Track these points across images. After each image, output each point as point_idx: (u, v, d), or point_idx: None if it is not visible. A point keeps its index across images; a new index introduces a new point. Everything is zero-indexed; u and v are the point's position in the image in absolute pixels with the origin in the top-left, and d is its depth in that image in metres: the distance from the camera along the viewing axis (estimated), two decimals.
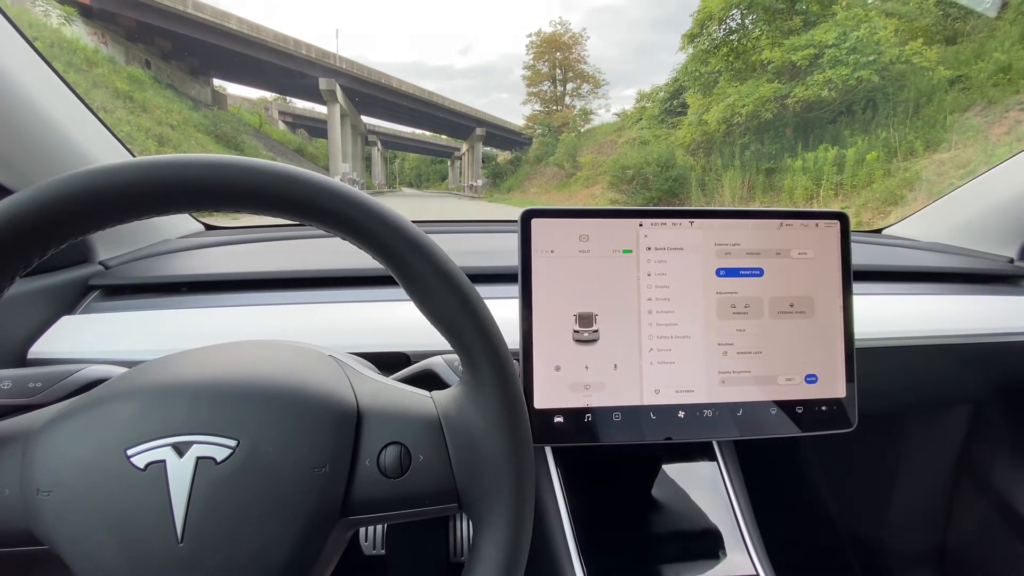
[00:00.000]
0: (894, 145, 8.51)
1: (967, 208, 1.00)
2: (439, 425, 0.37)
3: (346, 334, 0.64)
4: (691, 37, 14.40)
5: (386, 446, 0.36)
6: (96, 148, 0.70)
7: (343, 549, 0.38)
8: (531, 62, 34.58)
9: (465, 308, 0.35)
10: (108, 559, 0.31)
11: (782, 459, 1.17)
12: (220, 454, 0.32)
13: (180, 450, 0.32)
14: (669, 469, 0.66)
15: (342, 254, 0.88)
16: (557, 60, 33.88)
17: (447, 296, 0.34)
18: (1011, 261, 0.94)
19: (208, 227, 1.00)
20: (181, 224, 0.94)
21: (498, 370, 0.36)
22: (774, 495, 0.80)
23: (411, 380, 0.48)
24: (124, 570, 0.31)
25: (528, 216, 0.55)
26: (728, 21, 13.57)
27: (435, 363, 0.52)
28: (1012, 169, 0.93)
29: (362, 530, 0.87)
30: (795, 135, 10.83)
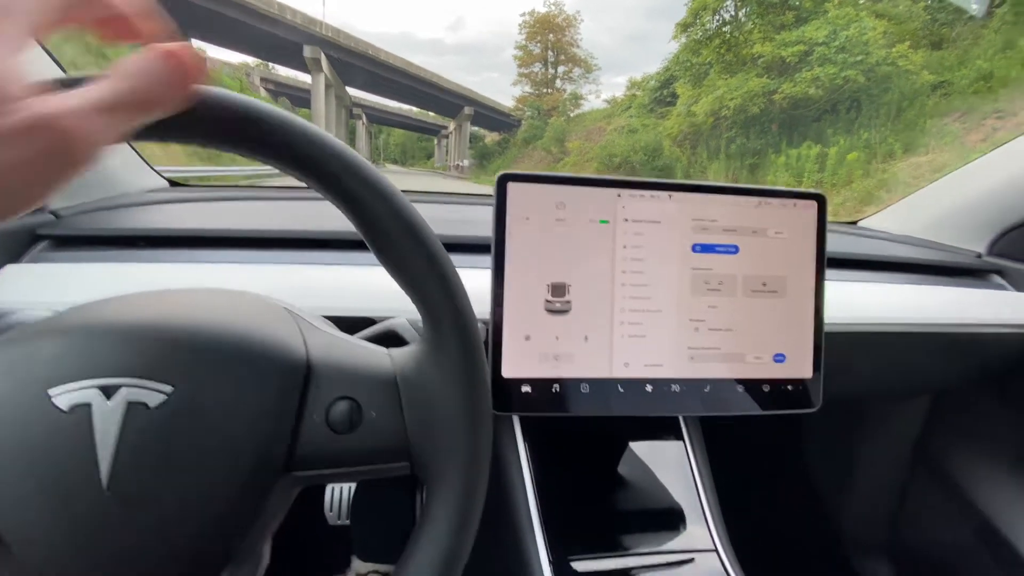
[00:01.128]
0: (874, 146, 8.69)
1: (939, 204, 1.03)
2: (394, 382, 0.35)
3: (311, 296, 0.62)
4: (684, 26, 14.46)
5: (336, 400, 0.34)
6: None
7: (288, 507, 0.37)
8: (523, 42, 34.36)
9: (430, 262, 0.33)
10: (30, 505, 0.29)
11: (747, 442, 1.20)
12: (153, 399, 0.30)
13: (108, 393, 0.30)
14: (636, 447, 0.67)
15: (311, 217, 0.85)
16: (550, 42, 33.58)
17: (410, 248, 0.33)
18: (979, 256, 0.97)
19: (173, 183, 0.95)
20: (144, 179, 0.90)
21: (460, 329, 0.34)
22: (738, 477, 0.82)
23: (372, 340, 0.46)
24: (47, 517, 0.29)
25: (504, 179, 0.53)
26: (722, 12, 13.63)
27: (397, 323, 0.50)
28: (983, 168, 0.95)
29: (326, 499, 0.86)
30: (780, 131, 10.97)
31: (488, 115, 40.72)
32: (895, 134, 8.66)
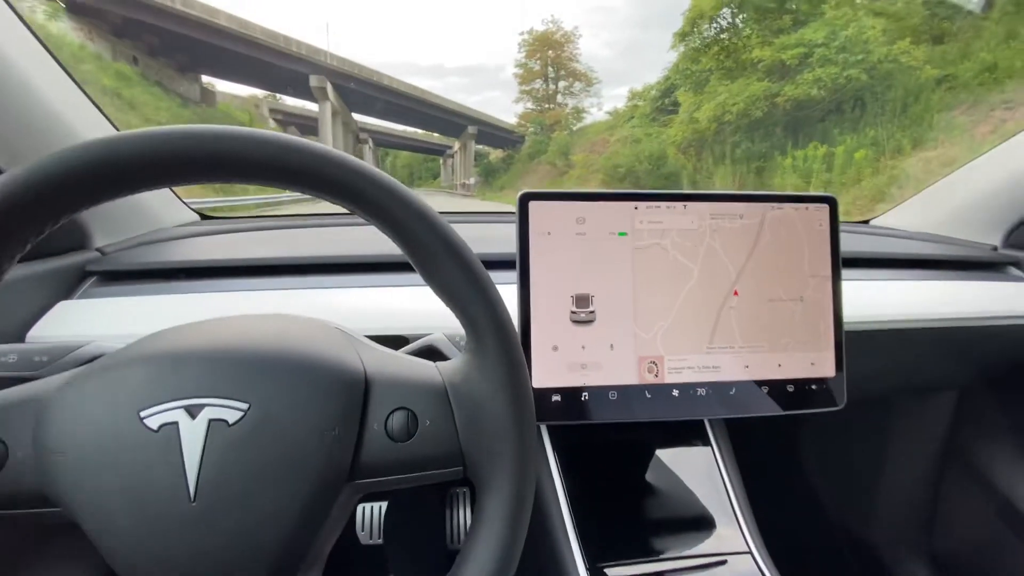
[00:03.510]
0: (882, 143, 8.58)
1: (951, 198, 1.03)
2: (444, 391, 0.38)
3: (346, 318, 0.64)
4: (683, 35, 14.45)
5: (393, 411, 0.37)
6: (86, 126, 0.69)
7: (349, 514, 0.39)
8: (523, 60, 34.42)
9: (470, 278, 0.36)
10: (121, 519, 0.32)
11: (775, 445, 1.20)
12: (232, 416, 0.33)
13: (192, 412, 0.33)
14: (664, 453, 0.68)
15: (339, 242, 0.88)
16: (549, 58, 33.61)
17: (453, 267, 0.35)
18: (995, 248, 0.97)
19: (204, 216, 1.00)
20: (176, 213, 0.94)
21: (502, 338, 0.37)
22: (767, 480, 0.82)
23: (413, 355, 0.49)
24: (137, 529, 0.32)
25: (526, 198, 0.56)
26: (719, 20, 13.65)
27: (436, 339, 0.53)
28: (995, 159, 0.95)
29: (358, 519, 0.87)
30: (785, 133, 10.89)
31: (492, 133, 41.22)
32: (902, 130, 8.54)
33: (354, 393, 0.36)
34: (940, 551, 1.07)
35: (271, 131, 0.32)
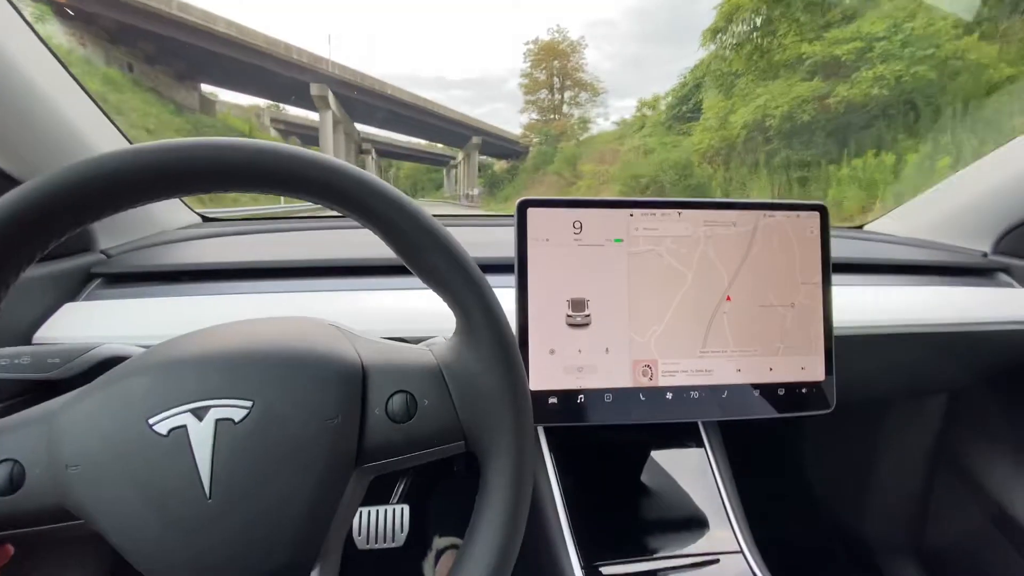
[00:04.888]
0: (957, 150, 6.88)
1: (944, 204, 1.04)
2: (439, 371, 0.39)
3: (344, 320, 0.65)
4: (714, 32, 12.70)
5: (392, 395, 0.38)
6: (98, 138, 0.71)
7: (361, 498, 0.40)
8: (528, 70, 34.01)
9: (453, 262, 0.37)
10: (142, 522, 0.33)
11: (768, 447, 1.21)
12: (237, 415, 0.34)
13: (199, 415, 0.34)
14: (658, 455, 0.69)
15: (337, 245, 0.89)
16: (555, 68, 33.17)
17: (434, 252, 0.37)
18: (985, 255, 0.98)
19: (205, 219, 1.01)
20: (180, 216, 0.96)
21: (489, 314, 0.38)
22: (759, 481, 0.83)
23: None
24: (159, 531, 0.33)
25: (524, 205, 0.58)
26: (756, 15, 11.86)
27: (432, 341, 0.54)
28: (985, 167, 0.97)
29: (354, 524, 0.87)
30: (829, 139, 9.37)
31: (496, 143, 40.86)
32: (976, 134, 7.22)
33: (352, 381, 0.38)
34: (931, 551, 1.08)
35: (243, 138, 0.33)
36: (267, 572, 0.34)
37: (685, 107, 15.43)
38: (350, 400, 0.37)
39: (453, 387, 0.39)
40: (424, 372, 0.39)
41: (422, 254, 0.37)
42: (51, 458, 0.34)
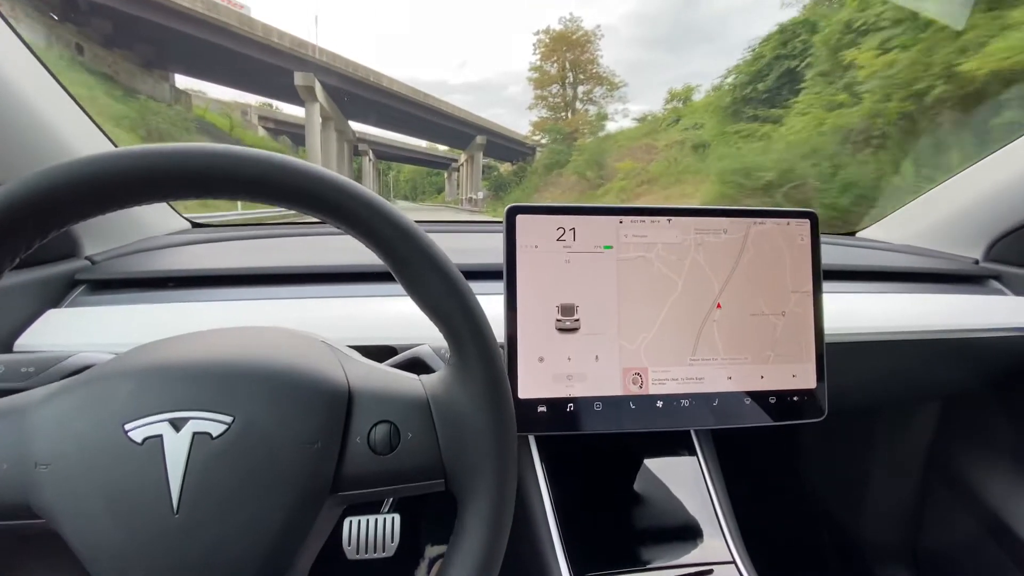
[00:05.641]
0: None
1: (935, 212, 1.04)
2: (427, 405, 0.38)
3: (333, 328, 0.65)
4: None
5: (376, 424, 0.37)
6: (79, 140, 0.70)
7: (332, 526, 0.39)
8: (538, 63, 30.72)
9: (452, 292, 0.36)
10: (105, 530, 0.32)
11: (760, 455, 1.20)
12: (216, 429, 0.33)
13: (177, 425, 0.33)
14: (650, 463, 0.68)
15: (328, 251, 0.89)
16: (568, 61, 30.11)
17: (435, 281, 0.36)
18: (976, 262, 0.98)
19: (195, 224, 1.00)
20: (168, 221, 0.95)
21: (483, 352, 0.37)
22: (752, 490, 0.82)
23: (400, 367, 0.50)
24: (120, 541, 0.32)
25: (513, 212, 0.57)
26: None
27: (422, 351, 0.54)
28: (977, 173, 0.97)
29: (344, 533, 0.87)
30: None
31: (502, 144, 38.96)
32: None
33: (337, 406, 0.37)
34: (924, 559, 1.07)
35: (245, 147, 0.33)
36: None
37: (759, 86, 11.28)
38: (332, 426, 0.36)
39: (440, 423, 0.38)
40: (411, 404, 0.38)
41: (421, 280, 0.36)
42: (21, 454, 0.33)
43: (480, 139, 36.79)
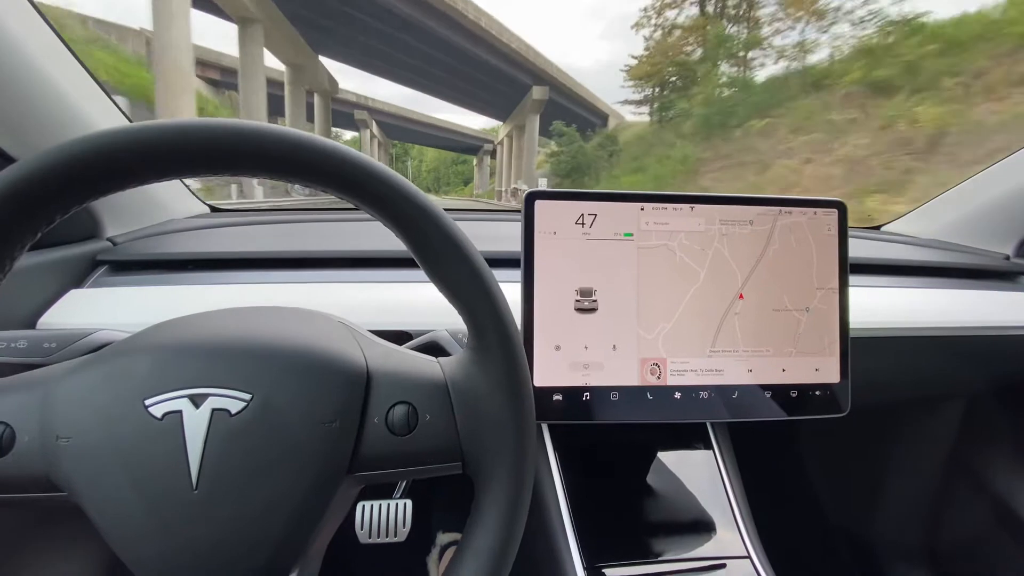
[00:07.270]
0: None
1: (964, 206, 1.01)
2: (446, 387, 0.38)
3: (350, 312, 0.65)
4: None
5: (394, 405, 0.37)
6: (96, 114, 0.70)
7: (349, 506, 0.40)
8: None
9: (473, 276, 0.36)
10: (124, 504, 0.33)
11: (778, 450, 1.19)
12: (235, 406, 0.34)
13: (196, 402, 0.33)
14: (665, 456, 0.67)
15: (345, 236, 0.89)
16: None
17: (456, 264, 0.36)
18: (1007, 258, 0.95)
19: (214, 209, 1.01)
20: (188, 205, 0.96)
21: (503, 336, 0.37)
22: (769, 485, 0.81)
23: (417, 350, 0.50)
24: (140, 515, 0.33)
25: (532, 197, 0.56)
26: None
27: (439, 335, 0.54)
28: (1009, 167, 0.94)
29: (357, 518, 0.88)
30: None
31: (569, 107, 25.99)
32: None
33: (355, 386, 0.37)
34: (941, 559, 1.06)
35: (279, 126, 0.32)
36: (244, 572, 0.34)
37: None
38: (351, 406, 0.36)
39: (458, 406, 0.38)
40: (429, 386, 0.38)
41: (442, 263, 0.36)
42: (42, 427, 0.34)
43: (538, 93, 23.52)
